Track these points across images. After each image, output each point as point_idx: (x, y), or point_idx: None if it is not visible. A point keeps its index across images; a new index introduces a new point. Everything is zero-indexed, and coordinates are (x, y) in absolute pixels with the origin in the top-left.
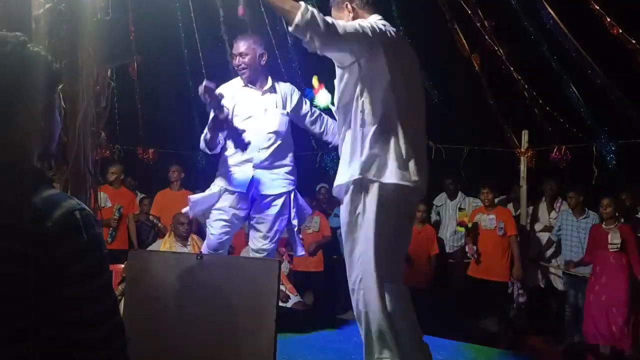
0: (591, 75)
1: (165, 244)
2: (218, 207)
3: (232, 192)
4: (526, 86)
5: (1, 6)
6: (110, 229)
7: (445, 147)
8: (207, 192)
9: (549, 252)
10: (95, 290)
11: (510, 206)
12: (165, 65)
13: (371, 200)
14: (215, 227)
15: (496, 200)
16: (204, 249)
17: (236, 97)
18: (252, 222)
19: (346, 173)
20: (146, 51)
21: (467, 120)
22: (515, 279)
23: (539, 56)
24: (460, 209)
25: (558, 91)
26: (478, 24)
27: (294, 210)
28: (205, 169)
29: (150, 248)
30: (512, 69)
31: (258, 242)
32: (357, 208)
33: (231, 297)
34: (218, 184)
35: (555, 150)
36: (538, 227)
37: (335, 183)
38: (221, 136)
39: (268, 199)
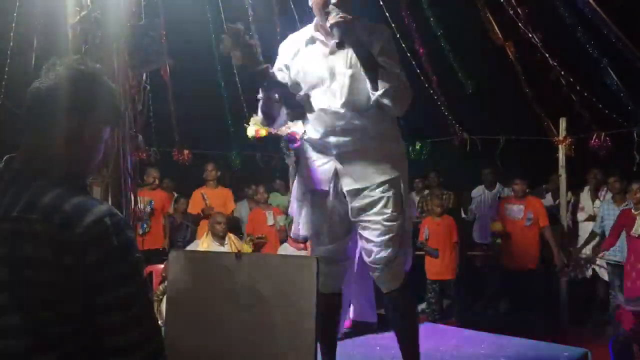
0: (629, 58)
1: (203, 244)
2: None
3: (316, 192)
4: (562, 73)
5: (39, 16)
6: (142, 223)
7: (481, 138)
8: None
9: (593, 243)
10: (128, 295)
11: (549, 196)
12: (197, 67)
13: None
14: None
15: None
16: None
17: (299, 56)
18: (357, 229)
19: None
20: (178, 54)
21: (503, 110)
22: (560, 268)
23: (574, 41)
24: (500, 199)
25: (595, 76)
26: (511, 11)
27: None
28: (239, 169)
29: (188, 248)
30: (547, 55)
31: (368, 253)
32: None
33: (270, 295)
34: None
35: (594, 137)
36: (582, 216)
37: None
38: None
39: (363, 193)
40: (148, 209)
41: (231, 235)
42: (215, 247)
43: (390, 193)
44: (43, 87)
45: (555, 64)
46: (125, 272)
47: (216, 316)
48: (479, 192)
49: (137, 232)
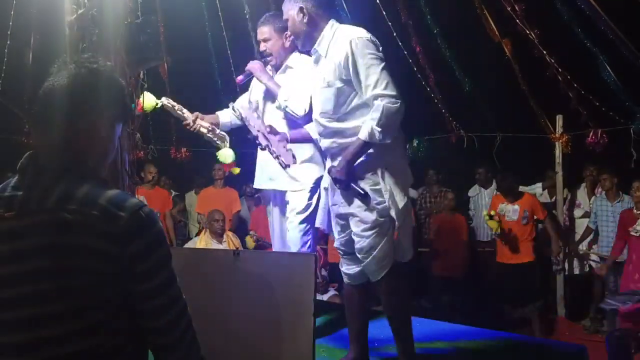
0: (626, 54)
1: (201, 242)
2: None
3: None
4: (559, 69)
5: (36, 14)
6: None
7: (478, 136)
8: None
9: (589, 239)
10: (164, 280)
11: (545, 193)
12: (195, 64)
13: None
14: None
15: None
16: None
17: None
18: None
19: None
20: (175, 51)
21: (499, 107)
22: (555, 255)
23: (571, 38)
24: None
25: (592, 73)
26: (508, 8)
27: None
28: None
29: (186, 246)
30: (544, 52)
31: (355, 243)
32: None
33: (269, 292)
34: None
35: (591, 134)
36: (578, 213)
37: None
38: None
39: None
40: None
41: (229, 232)
42: (213, 244)
43: (371, 186)
44: (57, 85)
45: (552, 60)
46: (162, 260)
47: (214, 314)
48: (475, 191)
49: None
